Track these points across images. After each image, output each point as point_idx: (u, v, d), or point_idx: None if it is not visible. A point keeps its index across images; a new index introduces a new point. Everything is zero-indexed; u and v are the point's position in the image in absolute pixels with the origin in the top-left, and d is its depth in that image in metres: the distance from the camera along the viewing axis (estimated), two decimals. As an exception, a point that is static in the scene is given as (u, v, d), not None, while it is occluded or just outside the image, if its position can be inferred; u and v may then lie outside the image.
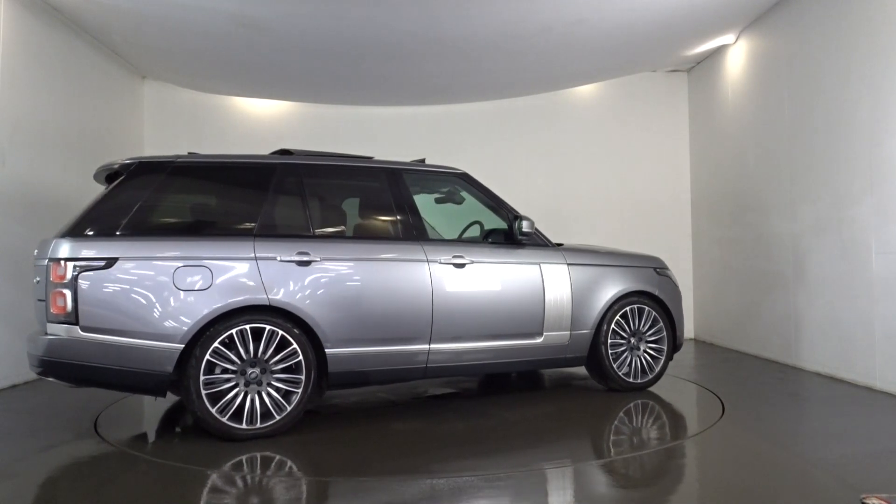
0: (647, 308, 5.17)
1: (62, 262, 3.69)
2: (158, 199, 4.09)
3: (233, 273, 3.94)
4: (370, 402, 5.12)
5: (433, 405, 5.11)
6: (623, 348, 5.09)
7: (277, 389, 4.01)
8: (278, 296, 4.00)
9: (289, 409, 4.01)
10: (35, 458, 3.83)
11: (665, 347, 5.23)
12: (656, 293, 5.22)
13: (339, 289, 4.19)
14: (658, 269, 5.38)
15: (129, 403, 5.13)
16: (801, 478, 3.39)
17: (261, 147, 7.25)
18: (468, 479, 3.31)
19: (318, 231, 4.38)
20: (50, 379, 3.85)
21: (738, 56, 7.43)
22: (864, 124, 5.28)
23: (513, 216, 4.84)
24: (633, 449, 3.90)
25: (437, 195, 5.26)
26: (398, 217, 4.56)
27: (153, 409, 5.00)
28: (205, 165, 4.31)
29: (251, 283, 3.96)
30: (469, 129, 8.87)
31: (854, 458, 3.61)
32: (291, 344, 4.02)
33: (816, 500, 3.10)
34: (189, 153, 4.44)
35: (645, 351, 5.19)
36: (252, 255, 4.00)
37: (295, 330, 4.05)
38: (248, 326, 3.93)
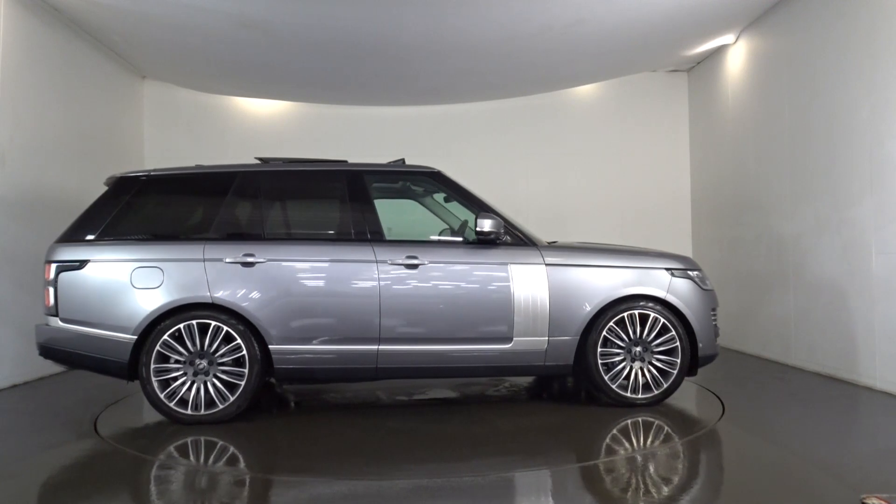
0: (652, 314, 4.63)
1: (51, 264, 4.37)
2: (131, 208, 4.59)
3: (181, 274, 4.38)
4: (364, 400, 5.12)
5: (430, 407, 5.10)
6: (620, 358, 4.62)
7: (223, 381, 4.34)
8: (221, 294, 4.36)
9: (231, 399, 4.33)
10: (35, 458, 3.83)
11: (679, 360, 4.62)
12: (665, 297, 4.65)
13: (283, 288, 4.43)
14: (674, 270, 4.72)
15: (129, 402, 5.13)
16: (801, 478, 3.40)
17: (260, 147, 7.28)
18: (422, 482, 3.27)
19: (271, 234, 4.67)
20: (49, 360, 4.51)
21: (738, 56, 7.43)
22: (864, 124, 5.28)
23: (478, 215, 4.56)
24: (631, 449, 3.89)
25: (444, 194, 5.22)
26: (352, 219, 4.67)
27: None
28: (172, 177, 4.77)
29: (197, 283, 4.36)
30: (469, 130, 8.86)
31: (854, 458, 3.61)
32: (237, 339, 4.35)
33: (816, 500, 3.10)
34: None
35: (650, 363, 4.64)
36: (201, 257, 4.40)
37: (239, 326, 4.36)
38: (194, 322, 4.33)
